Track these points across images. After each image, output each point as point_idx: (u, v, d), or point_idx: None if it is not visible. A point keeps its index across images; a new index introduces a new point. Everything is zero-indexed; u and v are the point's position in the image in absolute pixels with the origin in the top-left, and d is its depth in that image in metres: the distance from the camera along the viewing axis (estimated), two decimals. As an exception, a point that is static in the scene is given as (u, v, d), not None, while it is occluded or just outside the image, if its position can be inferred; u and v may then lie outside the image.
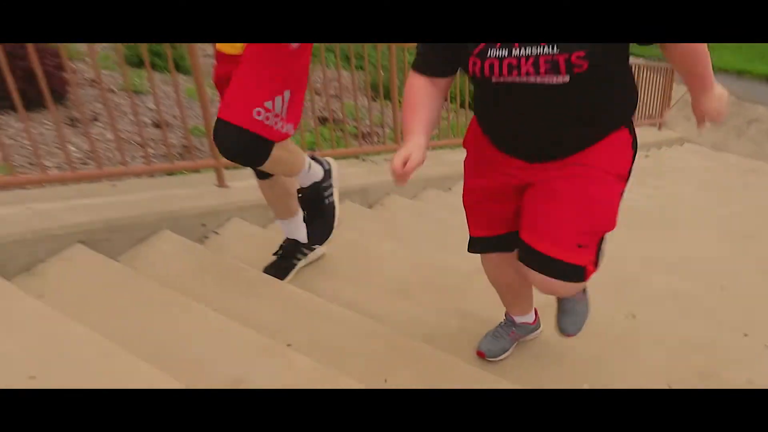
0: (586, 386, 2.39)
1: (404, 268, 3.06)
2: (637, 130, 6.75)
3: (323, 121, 5.30)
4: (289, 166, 2.44)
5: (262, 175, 2.56)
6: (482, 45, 1.60)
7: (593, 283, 3.29)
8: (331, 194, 2.65)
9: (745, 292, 3.57)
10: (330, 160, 2.71)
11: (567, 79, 1.56)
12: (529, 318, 2.50)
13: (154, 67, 3.45)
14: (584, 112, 1.71)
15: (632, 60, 8.70)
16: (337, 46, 4.49)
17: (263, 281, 2.68)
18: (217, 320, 2.31)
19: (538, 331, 2.59)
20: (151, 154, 3.40)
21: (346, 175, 4.26)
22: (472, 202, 2.09)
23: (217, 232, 3.14)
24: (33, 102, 3.42)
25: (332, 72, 6.42)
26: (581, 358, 2.53)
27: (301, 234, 2.74)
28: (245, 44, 2.13)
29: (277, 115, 2.16)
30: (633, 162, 1.89)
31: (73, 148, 3.51)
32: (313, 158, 2.62)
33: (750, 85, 11.65)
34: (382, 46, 4.82)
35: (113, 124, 3.17)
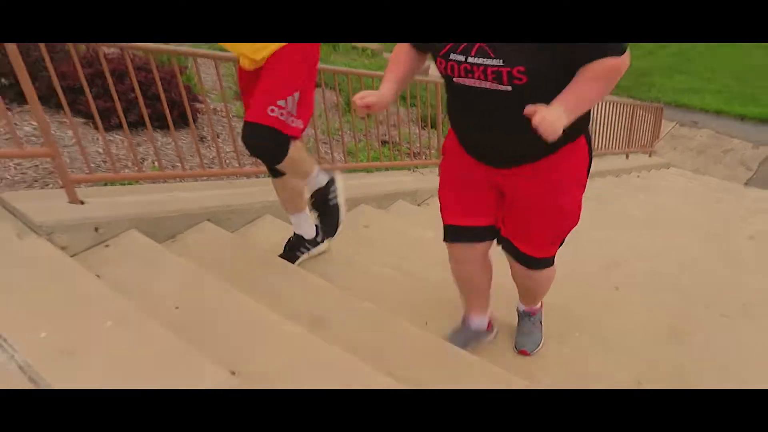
0: (577, 335, 2.46)
1: (442, 249, 3.13)
2: (632, 156, 6.69)
3: (384, 143, 5.46)
4: (302, 168, 2.38)
5: (275, 174, 2.39)
6: (446, 48, 1.53)
7: (587, 263, 3.38)
8: (335, 197, 2.57)
9: (709, 276, 3.56)
10: (337, 173, 2.65)
11: (509, 89, 1.47)
12: (482, 323, 2.24)
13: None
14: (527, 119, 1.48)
15: (628, 101, 8.59)
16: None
17: (336, 252, 2.79)
18: (303, 275, 2.46)
19: (492, 335, 2.31)
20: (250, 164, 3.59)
21: (402, 182, 4.39)
22: (446, 192, 1.94)
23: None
24: (174, 123, 3.67)
25: (392, 107, 6.57)
26: (575, 315, 2.58)
27: (305, 230, 2.61)
28: (262, 61, 2.10)
29: (289, 113, 2.09)
30: (590, 166, 1.77)
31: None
32: (323, 170, 2.59)
33: (726, 122, 11.32)
34: (431, 88, 4.93)
35: (233, 139, 3.38)
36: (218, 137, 4.15)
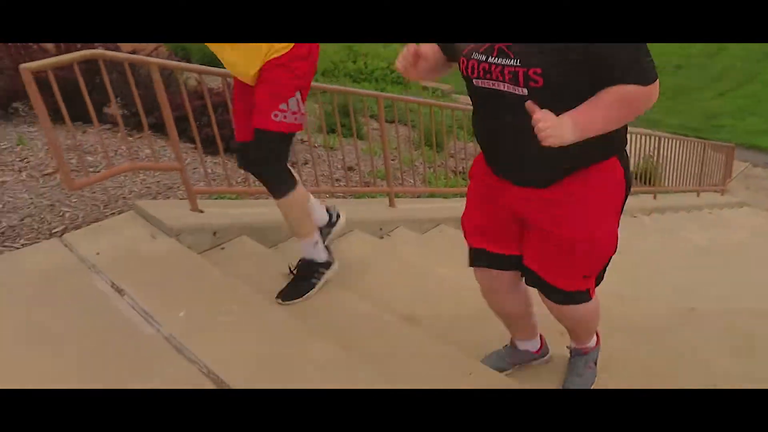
0: (650, 346, 2.55)
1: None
2: (703, 195, 6.63)
3: (457, 173, 5.71)
4: (299, 222, 2.33)
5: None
6: (469, 47, 1.48)
7: (662, 287, 3.46)
8: (319, 280, 2.39)
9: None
10: (336, 261, 2.49)
11: (525, 92, 1.39)
12: (532, 346, 2.12)
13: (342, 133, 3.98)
14: None
15: (698, 141, 8.47)
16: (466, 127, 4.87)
17: (425, 264, 3.01)
18: (391, 280, 2.71)
19: (544, 359, 2.17)
20: (341, 185, 3.89)
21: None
22: (469, 217, 1.82)
23: (389, 235, 3.50)
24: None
25: (464, 143, 6.84)
26: (649, 328, 2.69)
27: (318, 254, 2.43)
28: (257, 74, 2.06)
29: (294, 113, 2.08)
30: (626, 196, 1.62)
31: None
32: (327, 247, 2.48)
33: (803, 163, 10.99)
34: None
35: (329, 163, 3.68)
36: (306, 164, 4.49)
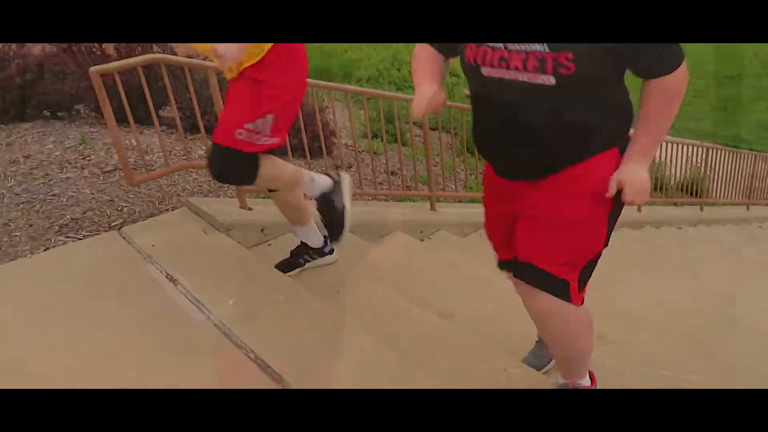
0: (697, 358, 2.54)
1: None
2: (753, 208, 6.45)
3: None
4: (283, 181, 2.21)
5: (270, 189, 2.29)
6: None
7: (707, 298, 3.40)
8: (341, 199, 2.40)
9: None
10: (343, 174, 2.47)
11: (552, 80, 1.27)
12: None
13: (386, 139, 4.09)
14: (567, 121, 1.37)
15: (749, 153, 8.21)
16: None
17: (464, 266, 3.05)
18: (431, 279, 2.77)
19: None
20: (384, 189, 3.96)
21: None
22: (489, 230, 1.87)
23: (430, 238, 3.57)
24: (312, 153, 4.17)
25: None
26: (694, 334, 2.68)
27: (311, 239, 2.53)
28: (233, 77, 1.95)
29: (258, 133, 1.94)
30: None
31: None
32: (327, 174, 2.44)
33: None
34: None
35: (372, 167, 3.78)
36: (350, 167, 4.61)
